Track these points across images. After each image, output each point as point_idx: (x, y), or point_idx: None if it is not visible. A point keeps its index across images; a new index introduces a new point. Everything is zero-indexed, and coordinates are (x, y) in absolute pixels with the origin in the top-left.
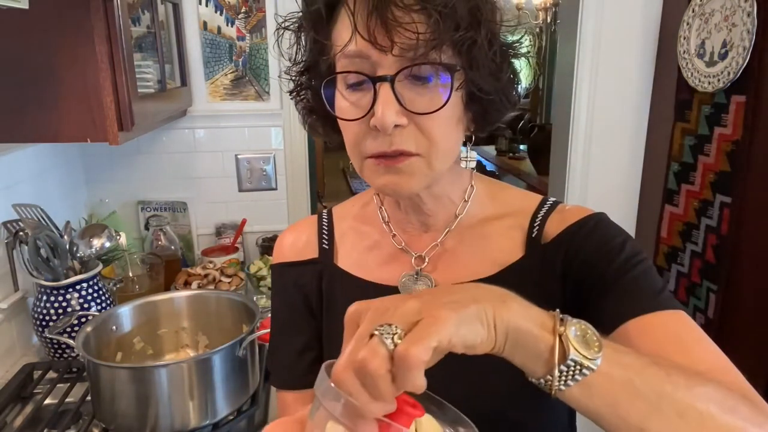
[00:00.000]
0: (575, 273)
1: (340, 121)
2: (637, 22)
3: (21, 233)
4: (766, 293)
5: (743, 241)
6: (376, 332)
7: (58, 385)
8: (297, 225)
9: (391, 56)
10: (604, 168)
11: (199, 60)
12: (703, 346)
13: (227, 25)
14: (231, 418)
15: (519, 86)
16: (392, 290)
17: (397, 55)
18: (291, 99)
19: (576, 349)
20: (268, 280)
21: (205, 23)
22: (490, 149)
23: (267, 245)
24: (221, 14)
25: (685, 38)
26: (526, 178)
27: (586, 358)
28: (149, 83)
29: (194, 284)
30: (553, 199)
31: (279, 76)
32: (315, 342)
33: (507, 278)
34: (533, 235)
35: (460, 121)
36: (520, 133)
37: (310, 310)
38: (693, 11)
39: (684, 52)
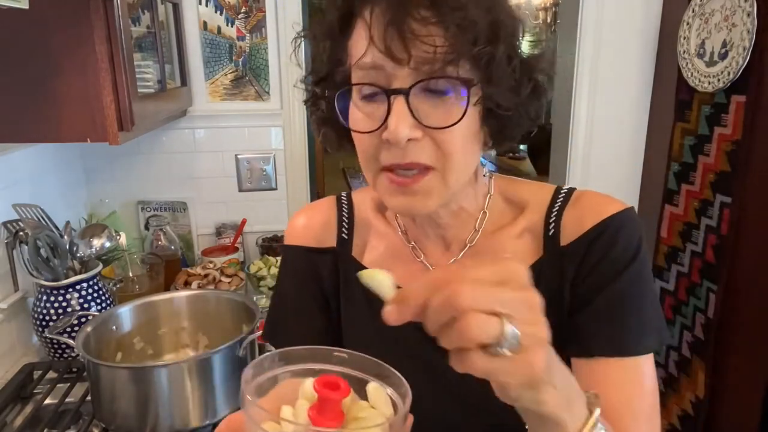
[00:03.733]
0: (583, 286)
1: (353, 133)
2: (637, 22)
3: (21, 233)
4: (766, 293)
5: (743, 241)
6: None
7: (58, 385)
8: (312, 206)
9: (407, 69)
10: (604, 168)
11: (199, 60)
12: (639, 422)
13: (227, 25)
14: None
15: (543, 101)
16: None
17: (413, 68)
18: (306, 109)
19: None
20: (269, 280)
21: (205, 23)
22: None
23: (267, 245)
24: (221, 14)
25: (685, 38)
26: (526, 178)
27: None
28: (149, 83)
29: (194, 284)
30: (567, 187)
31: (295, 85)
32: (326, 331)
33: None
34: (550, 233)
35: (476, 136)
36: None
37: (324, 301)
38: (693, 11)
39: (684, 52)
